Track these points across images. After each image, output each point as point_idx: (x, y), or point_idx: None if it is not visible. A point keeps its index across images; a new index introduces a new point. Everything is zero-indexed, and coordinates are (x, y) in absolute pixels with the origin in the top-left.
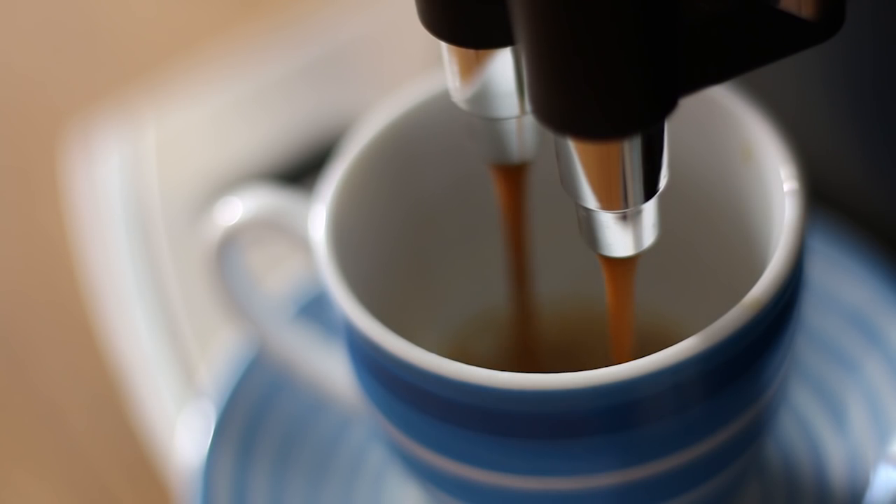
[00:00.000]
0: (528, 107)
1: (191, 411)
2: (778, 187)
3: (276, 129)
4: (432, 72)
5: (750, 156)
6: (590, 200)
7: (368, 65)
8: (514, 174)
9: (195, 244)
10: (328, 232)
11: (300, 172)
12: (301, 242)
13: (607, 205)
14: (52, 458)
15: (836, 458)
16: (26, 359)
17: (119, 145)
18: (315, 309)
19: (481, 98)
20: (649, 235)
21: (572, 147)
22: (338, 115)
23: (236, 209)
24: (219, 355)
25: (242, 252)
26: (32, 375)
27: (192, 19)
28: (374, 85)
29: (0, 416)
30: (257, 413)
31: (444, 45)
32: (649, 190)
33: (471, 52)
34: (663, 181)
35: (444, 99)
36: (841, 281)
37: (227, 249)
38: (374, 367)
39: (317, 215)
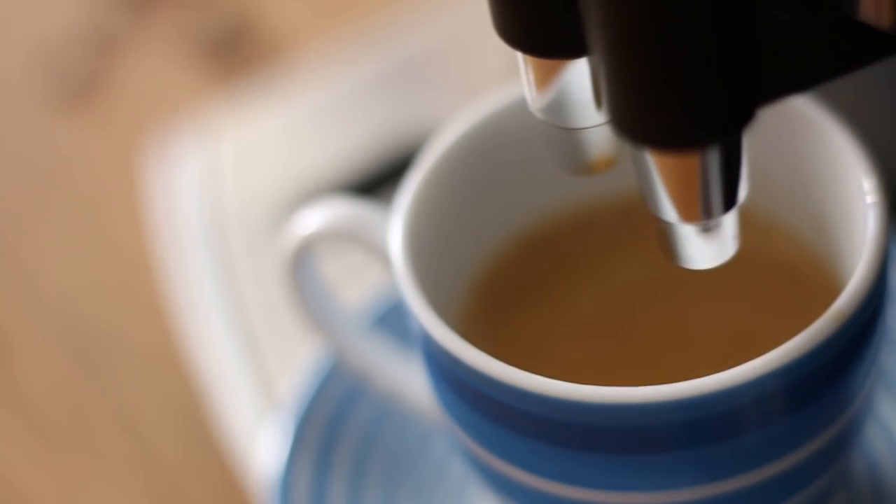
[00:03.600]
0: (605, 117)
1: (270, 422)
2: (860, 199)
3: (351, 140)
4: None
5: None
6: (669, 213)
7: (444, 74)
8: None
9: (272, 255)
10: (405, 243)
11: (375, 183)
12: (378, 253)
13: (687, 217)
14: (131, 469)
15: None
16: (105, 370)
17: (196, 156)
18: (391, 319)
19: (557, 108)
20: (729, 247)
21: (651, 158)
22: (413, 126)
23: (313, 220)
24: (297, 366)
25: (319, 263)
26: (112, 387)
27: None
28: (449, 94)
29: (80, 427)
30: (335, 423)
31: (519, 55)
32: (729, 201)
33: (547, 61)
34: (743, 193)
35: (520, 108)
36: None
37: (304, 260)
38: (452, 379)
39: (394, 226)
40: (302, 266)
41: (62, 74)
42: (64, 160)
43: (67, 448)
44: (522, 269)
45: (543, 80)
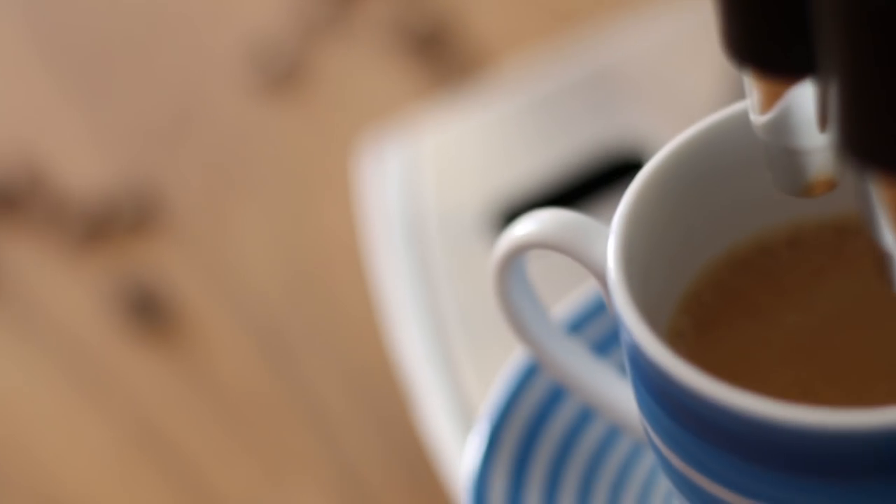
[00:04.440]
0: (830, 139)
1: (467, 428)
2: None
3: (552, 148)
4: (720, 95)
5: None
6: (890, 242)
7: (645, 83)
8: None
9: (472, 259)
10: (621, 256)
11: (575, 192)
12: (590, 264)
13: None
14: (320, 469)
15: None
16: (298, 367)
17: (398, 153)
18: (583, 326)
19: (781, 128)
20: None
21: (875, 185)
22: (614, 135)
23: (528, 226)
24: (495, 370)
25: (527, 270)
26: (304, 385)
27: (484, 35)
28: (650, 104)
29: (276, 428)
30: (532, 429)
31: (745, 74)
32: None
33: (773, 80)
34: None
35: (735, 124)
36: None
37: (516, 265)
38: (662, 394)
39: (610, 239)
40: (513, 271)
41: (268, 62)
42: (266, 148)
43: (257, 445)
44: (732, 286)
45: (769, 99)
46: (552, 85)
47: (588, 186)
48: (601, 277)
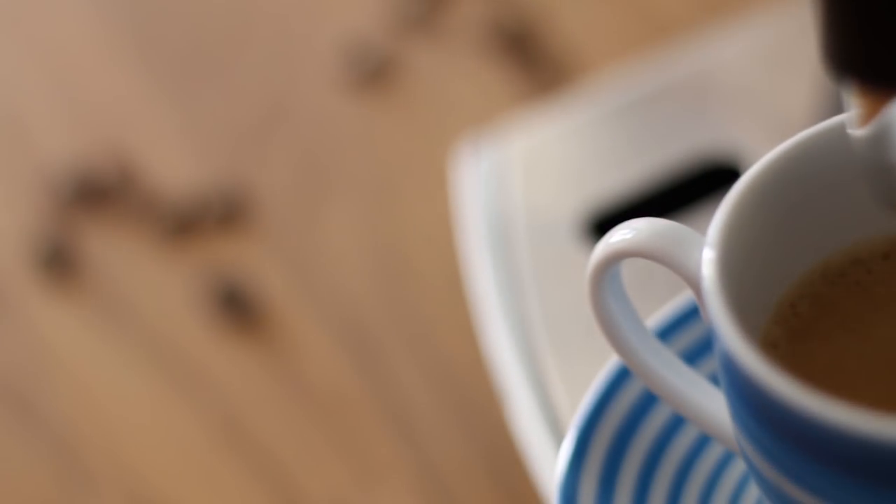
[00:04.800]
0: None
1: (556, 433)
2: None
3: (648, 155)
4: (816, 103)
5: None
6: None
7: (746, 91)
8: None
9: (562, 265)
10: (718, 267)
11: (672, 200)
12: (685, 273)
13: None
14: (410, 473)
15: None
16: (389, 373)
17: (487, 155)
18: (682, 336)
19: (882, 141)
20: None
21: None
22: (710, 144)
23: (625, 233)
24: (583, 378)
25: (622, 278)
26: (395, 390)
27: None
28: (752, 113)
29: (362, 428)
30: (623, 437)
31: (846, 87)
32: None
33: (874, 94)
34: None
35: (832, 136)
36: None
37: (612, 272)
38: (757, 406)
39: (707, 249)
40: (609, 278)
41: (360, 60)
42: (356, 146)
43: (344, 445)
44: (826, 297)
45: (868, 113)
46: (646, 90)
47: (680, 195)
48: (696, 286)
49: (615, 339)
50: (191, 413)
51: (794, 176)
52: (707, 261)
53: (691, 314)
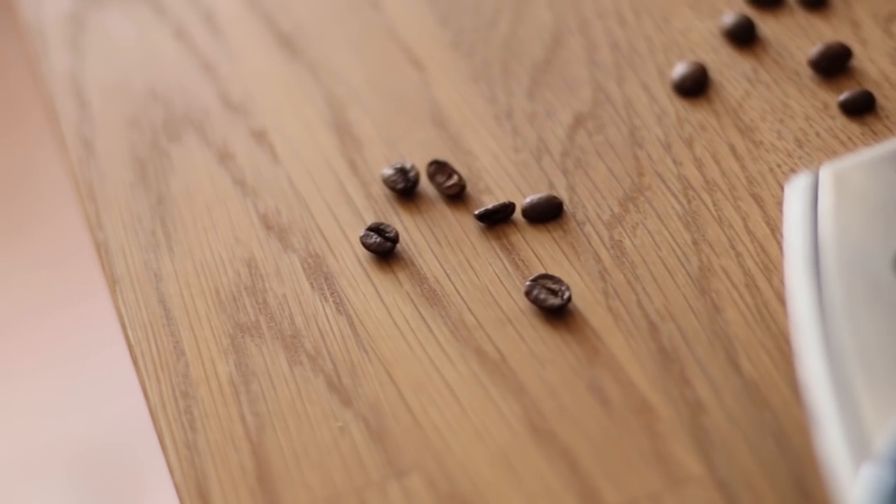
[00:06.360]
0: None
1: (860, 458)
2: None
3: None
4: None
5: None
6: None
7: None
8: None
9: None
10: None
11: None
12: None
13: None
14: (711, 493)
15: None
16: (691, 379)
17: (812, 186)
18: None
19: None
20: None
21: None
22: None
23: None
24: (892, 406)
25: None
26: (694, 395)
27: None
28: None
29: (661, 437)
30: None
31: None
32: None
33: None
34: None
35: None
36: None
37: None
38: None
39: None
40: None
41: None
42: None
43: (643, 451)
44: None
45: None
46: None
47: None
48: None
49: None
50: (497, 408)
51: None
52: None
53: None
